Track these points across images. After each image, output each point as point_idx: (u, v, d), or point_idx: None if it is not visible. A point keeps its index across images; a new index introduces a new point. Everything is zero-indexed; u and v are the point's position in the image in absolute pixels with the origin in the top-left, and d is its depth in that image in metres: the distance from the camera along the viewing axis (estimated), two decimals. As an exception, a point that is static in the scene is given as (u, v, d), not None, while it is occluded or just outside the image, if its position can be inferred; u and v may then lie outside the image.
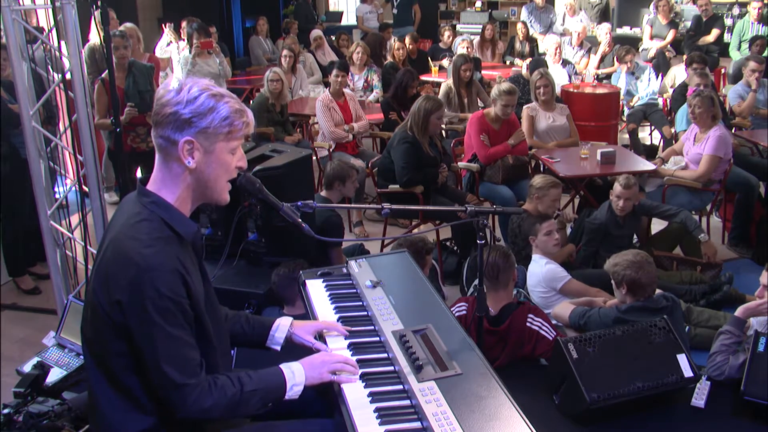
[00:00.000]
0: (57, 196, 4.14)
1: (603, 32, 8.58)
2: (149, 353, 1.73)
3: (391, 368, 2.00)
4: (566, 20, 9.76)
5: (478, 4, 12.78)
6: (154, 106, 1.79)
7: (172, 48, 7.78)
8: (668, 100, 7.30)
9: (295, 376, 1.91)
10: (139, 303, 1.69)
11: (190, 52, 6.42)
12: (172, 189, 1.82)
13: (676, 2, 10.23)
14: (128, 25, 5.99)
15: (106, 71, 5.06)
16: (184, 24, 7.79)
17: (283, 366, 1.93)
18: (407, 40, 8.79)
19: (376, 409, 1.81)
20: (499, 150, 5.19)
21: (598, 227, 4.37)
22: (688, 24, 9.49)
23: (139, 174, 5.42)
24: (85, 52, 5.58)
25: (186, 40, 6.65)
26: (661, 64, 8.57)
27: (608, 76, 8.08)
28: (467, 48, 8.36)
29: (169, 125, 1.75)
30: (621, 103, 7.28)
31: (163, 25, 8.20)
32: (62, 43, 3.82)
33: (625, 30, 10.78)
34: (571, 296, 3.75)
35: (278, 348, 2.13)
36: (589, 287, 3.80)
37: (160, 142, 1.79)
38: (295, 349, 2.13)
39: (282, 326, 2.15)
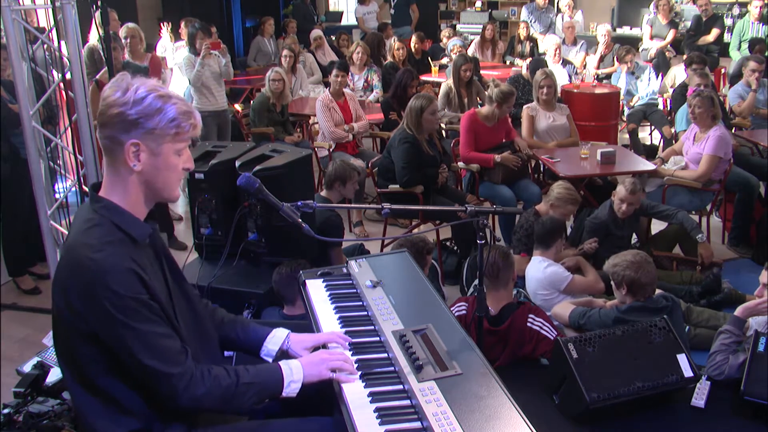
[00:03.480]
0: (57, 196, 4.14)
1: (602, 33, 8.59)
2: (126, 353, 1.72)
3: (391, 368, 1.99)
4: (565, 20, 9.76)
5: (478, 4, 12.78)
6: (99, 106, 1.77)
7: (168, 47, 7.77)
8: (668, 100, 7.30)
9: (293, 372, 1.91)
10: (100, 307, 1.68)
11: (194, 53, 6.40)
12: (121, 192, 1.81)
13: (677, 2, 10.23)
14: (130, 25, 5.99)
15: (101, 71, 5.08)
16: (182, 24, 7.78)
17: (282, 362, 1.93)
18: (413, 39, 8.78)
19: (376, 409, 1.81)
20: (482, 158, 5.17)
21: (599, 226, 4.38)
22: (688, 24, 9.49)
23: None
24: (85, 52, 5.57)
25: (187, 41, 6.63)
26: (661, 64, 8.57)
27: (608, 76, 8.08)
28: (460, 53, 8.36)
29: (115, 126, 1.73)
30: (621, 103, 7.28)
31: (162, 25, 8.19)
32: (62, 43, 3.82)
33: (625, 30, 10.78)
34: (576, 294, 3.79)
35: (270, 360, 2.11)
36: (590, 281, 3.86)
37: (105, 143, 1.77)
38: (288, 357, 2.11)
39: (276, 338, 2.13)
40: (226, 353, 2.26)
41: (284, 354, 2.12)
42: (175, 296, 1.89)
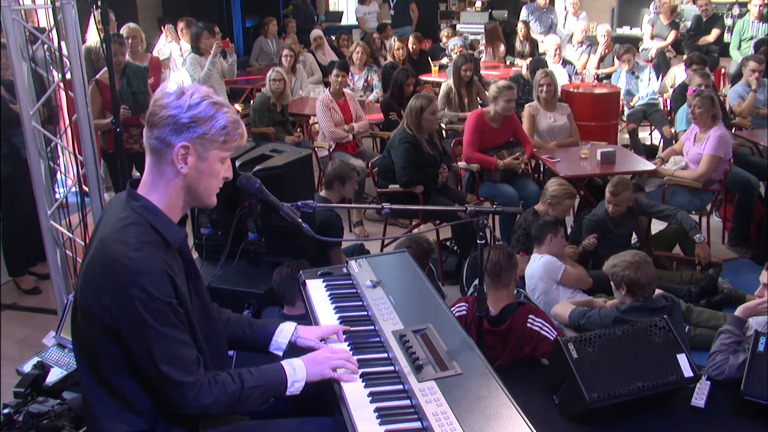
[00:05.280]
0: (57, 196, 4.14)
1: (602, 33, 8.60)
2: (145, 354, 1.74)
3: (392, 368, 2.00)
4: (568, 20, 9.75)
5: (478, 4, 12.77)
6: (151, 107, 1.80)
7: (173, 48, 7.75)
8: (668, 100, 7.30)
9: (296, 372, 1.91)
10: (130, 306, 1.70)
11: (197, 53, 6.39)
12: (162, 193, 1.83)
13: (679, 2, 10.22)
14: (131, 25, 5.98)
15: (100, 72, 5.08)
16: (182, 25, 7.76)
17: (284, 362, 1.94)
18: (411, 40, 8.77)
19: (377, 409, 1.81)
20: (484, 160, 5.16)
21: (596, 224, 4.40)
22: (689, 24, 9.49)
23: (135, 173, 5.43)
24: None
25: (191, 41, 6.61)
26: (661, 64, 8.57)
27: (608, 76, 8.07)
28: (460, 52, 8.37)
29: (167, 127, 1.76)
30: (621, 103, 7.28)
31: (163, 27, 8.18)
32: (62, 43, 3.82)
33: (625, 30, 10.78)
34: (571, 284, 3.83)
35: (280, 354, 2.13)
36: (584, 273, 3.93)
37: (154, 143, 1.79)
38: (296, 348, 2.13)
39: (285, 331, 2.14)
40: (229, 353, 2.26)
41: (293, 346, 2.13)
42: (194, 302, 1.90)
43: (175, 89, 1.80)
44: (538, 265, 3.88)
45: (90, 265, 1.78)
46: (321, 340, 2.14)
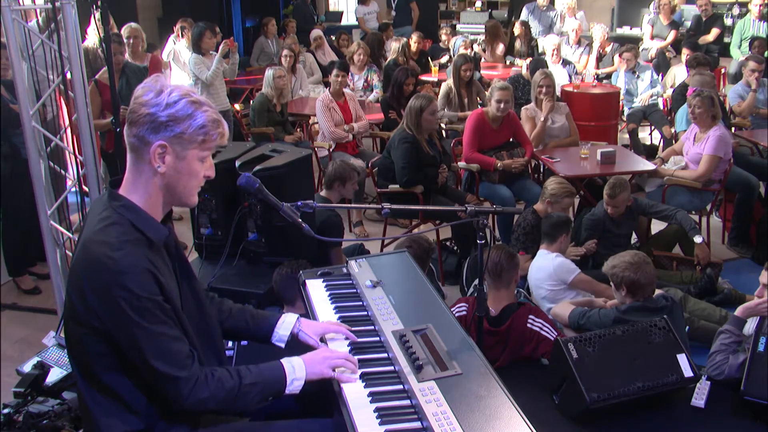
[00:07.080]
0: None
1: (598, 33, 8.60)
2: (136, 353, 1.74)
3: (391, 368, 2.00)
4: (566, 20, 9.75)
5: (478, 4, 12.77)
6: (131, 104, 1.78)
7: (180, 46, 7.73)
8: (668, 100, 7.30)
9: (296, 370, 1.91)
10: (115, 306, 1.69)
11: (199, 53, 6.38)
12: (142, 192, 1.82)
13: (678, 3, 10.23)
14: (132, 25, 5.97)
15: (99, 72, 5.08)
16: (185, 25, 7.75)
17: (284, 360, 1.93)
18: (413, 38, 8.76)
19: (376, 409, 1.81)
20: (484, 160, 5.16)
21: (595, 223, 4.41)
22: (688, 24, 9.49)
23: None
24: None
25: (192, 41, 6.58)
26: (661, 64, 8.57)
27: (608, 76, 8.07)
28: (468, 49, 8.38)
29: (145, 125, 1.75)
30: (621, 102, 7.27)
31: (174, 28, 8.15)
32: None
33: (625, 30, 10.78)
34: (580, 289, 3.81)
35: (282, 345, 2.13)
36: (595, 281, 3.85)
37: (132, 141, 1.78)
38: (297, 345, 2.13)
39: (287, 323, 2.14)
40: (227, 352, 2.26)
41: (294, 338, 2.13)
42: (185, 297, 1.90)
43: (155, 87, 1.77)
44: (551, 265, 3.83)
45: (74, 267, 1.79)
46: (321, 340, 2.14)
